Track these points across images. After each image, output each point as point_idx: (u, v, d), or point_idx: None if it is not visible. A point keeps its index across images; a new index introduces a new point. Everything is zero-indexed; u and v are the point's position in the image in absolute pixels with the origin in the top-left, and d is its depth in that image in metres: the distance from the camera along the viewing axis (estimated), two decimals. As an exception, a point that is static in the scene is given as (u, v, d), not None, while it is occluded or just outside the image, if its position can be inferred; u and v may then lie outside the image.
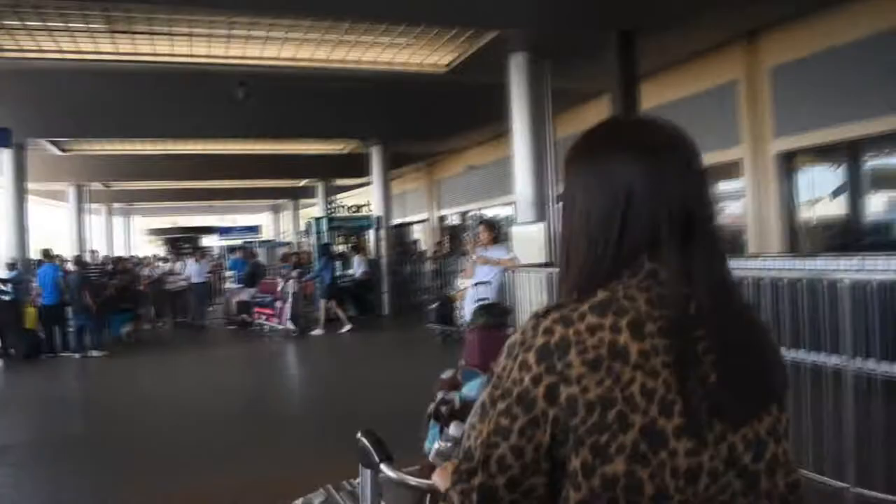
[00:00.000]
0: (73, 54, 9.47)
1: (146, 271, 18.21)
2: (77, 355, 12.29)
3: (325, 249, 15.83)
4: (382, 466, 1.56)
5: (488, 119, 13.16)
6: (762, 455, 1.01)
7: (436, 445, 1.71)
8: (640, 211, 1.03)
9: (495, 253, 8.64)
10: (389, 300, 17.32)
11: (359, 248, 18.11)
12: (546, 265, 8.66)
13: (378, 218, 17.81)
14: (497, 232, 8.94)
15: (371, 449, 1.58)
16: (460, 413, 2.03)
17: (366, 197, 24.32)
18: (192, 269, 17.37)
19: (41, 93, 11.84)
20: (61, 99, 12.28)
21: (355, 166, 19.81)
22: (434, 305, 12.41)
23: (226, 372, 10.84)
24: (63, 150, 17.10)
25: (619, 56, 9.35)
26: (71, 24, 8.73)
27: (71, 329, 12.90)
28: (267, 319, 15.28)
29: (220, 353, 13.15)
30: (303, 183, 25.33)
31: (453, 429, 1.77)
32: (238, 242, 23.98)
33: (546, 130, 10.30)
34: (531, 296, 8.11)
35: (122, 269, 16.10)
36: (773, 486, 1.02)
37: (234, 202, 32.87)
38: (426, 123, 15.36)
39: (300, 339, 13.78)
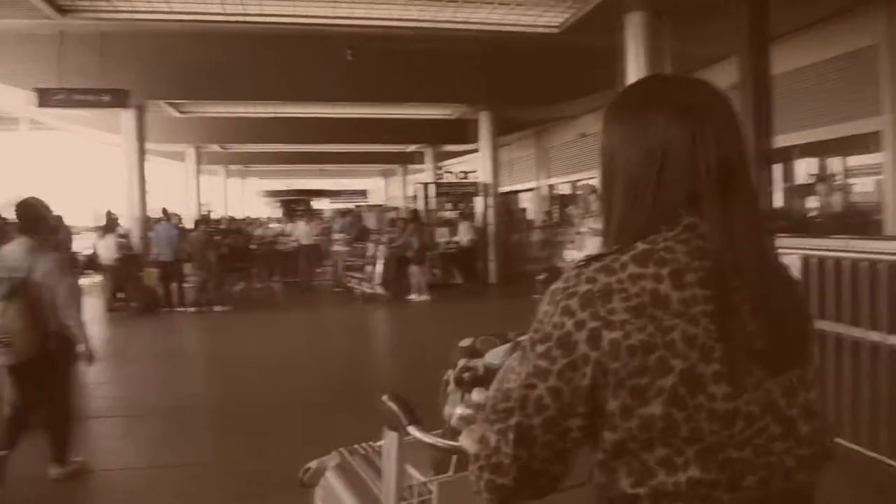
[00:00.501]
0: (182, 15, 9.53)
1: (258, 232, 18.67)
2: (192, 309, 12.70)
3: (413, 215, 15.65)
4: (410, 429, 1.56)
5: (602, 84, 12.48)
6: (796, 402, 1.05)
7: (458, 411, 1.72)
8: (677, 166, 1.05)
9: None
10: (496, 269, 17.02)
11: (465, 215, 17.84)
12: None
13: (485, 185, 17.45)
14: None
15: (399, 411, 1.57)
16: (483, 380, 2.00)
17: (474, 164, 24.10)
18: (301, 231, 17.63)
19: (159, 55, 12.11)
20: (178, 62, 12.52)
21: (463, 132, 19.47)
22: (542, 276, 11.98)
23: (321, 335, 10.82)
24: (181, 112, 17.57)
25: (748, 15, 8.51)
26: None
27: (188, 285, 13.38)
28: (358, 283, 15.31)
29: (319, 316, 13.24)
30: (412, 148, 25.23)
31: (476, 395, 1.81)
32: (347, 206, 24.17)
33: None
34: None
35: (235, 229, 16.51)
36: (806, 431, 1.06)
37: (346, 166, 33.26)
38: (536, 88, 14.78)
39: (392, 305, 13.69)
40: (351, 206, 23.58)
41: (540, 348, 1.02)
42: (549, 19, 10.22)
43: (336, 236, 17.44)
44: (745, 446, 1.00)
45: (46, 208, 4.68)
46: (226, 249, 14.53)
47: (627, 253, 1.02)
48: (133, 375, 7.88)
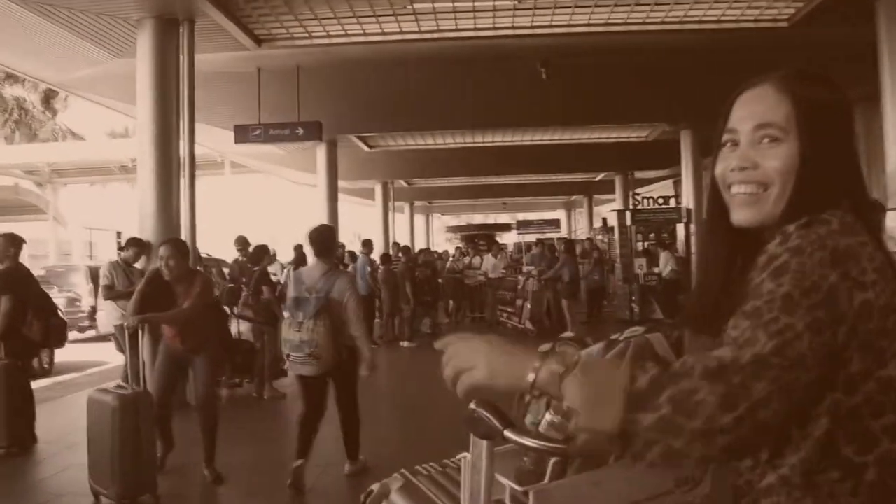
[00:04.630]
0: (375, 37, 9.20)
1: (447, 265, 18.34)
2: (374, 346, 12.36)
3: (568, 246, 14.63)
4: (507, 433, 1.45)
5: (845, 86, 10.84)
6: None
7: (547, 417, 1.59)
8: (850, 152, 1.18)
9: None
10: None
11: (664, 244, 16.44)
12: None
13: (688, 210, 15.98)
14: (884, 214, 6.82)
15: (491, 417, 1.46)
16: None
17: (666, 191, 22.52)
18: (488, 264, 17.06)
19: (350, 88, 11.96)
20: (367, 94, 12.33)
21: (660, 155, 18.11)
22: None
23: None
24: (370, 147, 17.62)
25: None
26: (374, 2, 8.39)
27: (377, 320, 13.14)
28: (508, 317, 14.49)
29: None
30: (600, 177, 24.09)
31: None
32: (535, 238, 23.41)
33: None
34: None
35: (425, 262, 16.17)
36: None
37: (527, 198, 32.64)
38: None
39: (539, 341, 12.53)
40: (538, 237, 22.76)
41: (814, 298, 0.98)
42: (777, 11, 8.85)
43: (525, 269, 16.59)
44: None
45: (336, 235, 5.55)
46: (416, 283, 14.21)
47: (833, 222, 1.06)
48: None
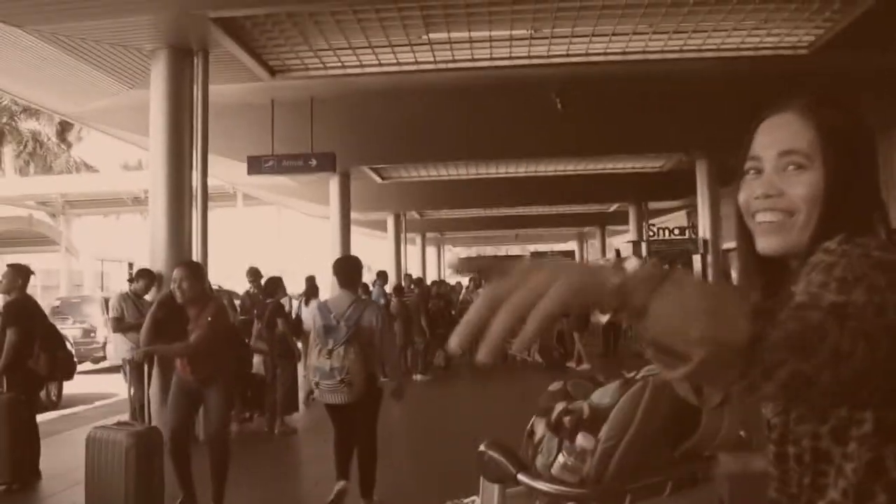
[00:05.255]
0: (390, 67, 9.15)
1: (461, 297, 18.17)
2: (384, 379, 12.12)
3: None
4: (521, 477, 1.44)
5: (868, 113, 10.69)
6: None
7: (560, 459, 1.57)
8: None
9: None
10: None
11: (681, 275, 16.19)
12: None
13: (705, 241, 15.77)
14: None
15: (504, 460, 1.46)
16: (588, 423, 1.93)
17: (679, 222, 22.33)
18: (503, 296, 16.82)
19: (363, 119, 11.92)
20: (380, 125, 12.27)
21: (674, 185, 17.95)
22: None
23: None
24: (383, 178, 17.57)
25: None
26: (390, 33, 8.35)
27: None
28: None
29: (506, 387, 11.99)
30: (613, 208, 23.94)
31: (582, 440, 1.79)
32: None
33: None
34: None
35: (438, 294, 16.01)
36: None
37: (540, 230, 32.50)
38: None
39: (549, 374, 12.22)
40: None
41: (867, 282, 0.95)
42: (797, 38, 8.73)
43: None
44: None
45: (361, 266, 5.59)
46: (430, 315, 14.05)
47: (871, 242, 1.05)
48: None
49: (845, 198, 1.12)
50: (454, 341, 0.83)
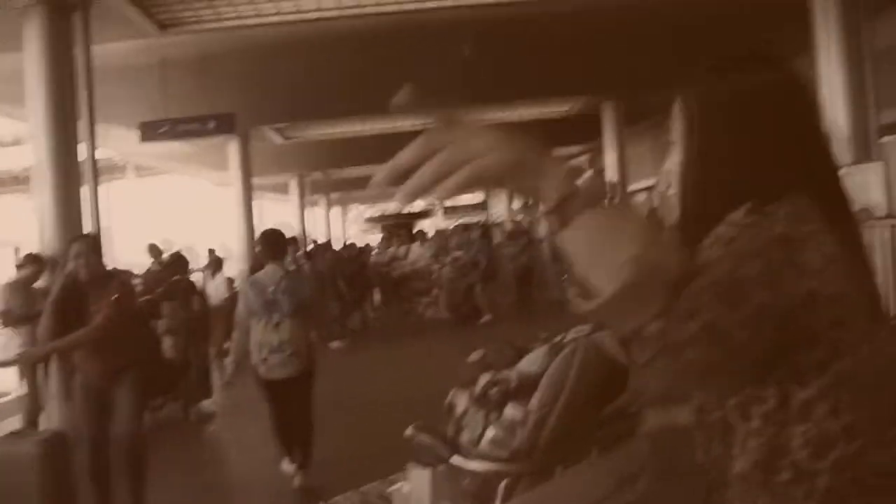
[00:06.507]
0: (291, 15, 8.53)
1: (372, 258, 17.72)
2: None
3: (483, 230, 14.44)
4: (455, 459, 1.38)
5: (768, 42, 10.76)
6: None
7: (489, 434, 1.51)
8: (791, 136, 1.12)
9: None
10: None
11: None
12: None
13: (613, 185, 15.86)
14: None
15: (437, 444, 1.42)
16: (517, 393, 1.81)
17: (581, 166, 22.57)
18: (415, 254, 16.53)
19: (261, 75, 11.20)
20: (280, 80, 11.57)
21: (578, 129, 17.97)
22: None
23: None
24: (286, 138, 16.79)
25: None
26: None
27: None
28: (424, 307, 14.37)
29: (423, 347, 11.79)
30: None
31: (511, 411, 1.76)
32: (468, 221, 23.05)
33: (861, 42, 7.94)
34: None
35: (350, 258, 15.52)
36: None
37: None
38: (669, 66, 13.11)
39: (460, 330, 12.23)
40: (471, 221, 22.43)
41: (763, 279, 0.92)
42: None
43: (455, 254, 16.10)
44: (892, 398, 1.00)
45: (285, 237, 5.54)
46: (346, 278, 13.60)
47: (780, 212, 1.03)
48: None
49: (706, 174, 1.13)
50: (378, 176, 0.88)
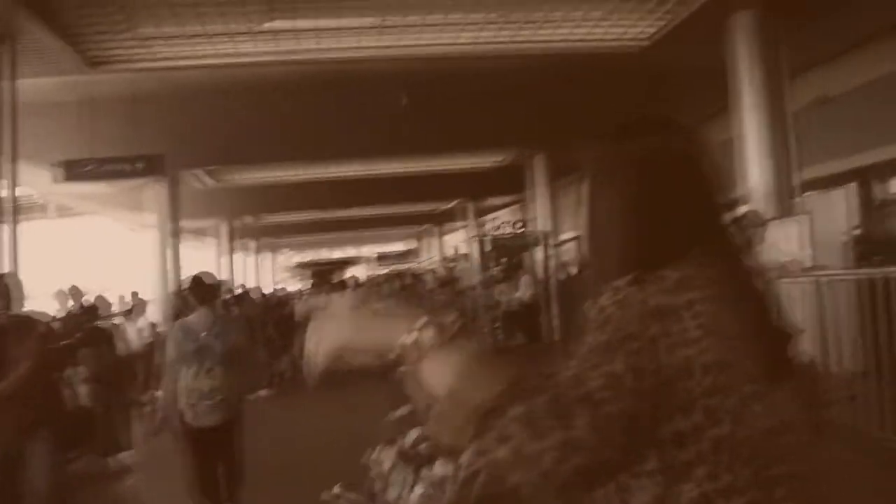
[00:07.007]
0: (230, 58, 8.43)
1: (299, 306, 17.43)
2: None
3: (411, 277, 14.56)
4: None
5: (690, 103, 11.20)
6: (794, 409, 1.07)
7: (417, 490, 1.47)
8: (684, 209, 1.13)
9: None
10: (561, 324, 15.51)
11: (522, 268, 16.48)
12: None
13: (545, 234, 16.10)
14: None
15: (362, 502, 1.44)
16: (447, 449, 1.69)
17: (513, 216, 22.88)
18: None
19: (193, 117, 11.03)
20: (212, 123, 11.43)
21: (511, 180, 18.24)
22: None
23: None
24: (217, 181, 16.48)
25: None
26: (229, 20, 7.64)
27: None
28: None
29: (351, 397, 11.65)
30: (451, 205, 24.08)
31: (441, 466, 1.67)
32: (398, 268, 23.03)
33: (784, 103, 8.36)
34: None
35: (278, 303, 15.22)
36: (802, 437, 1.07)
37: (377, 231, 32.17)
38: (604, 120, 13.45)
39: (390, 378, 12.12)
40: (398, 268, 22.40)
41: (631, 346, 0.97)
42: (638, 31, 8.98)
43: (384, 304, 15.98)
44: (778, 460, 1.01)
45: (217, 281, 5.45)
46: (270, 326, 13.30)
47: (667, 280, 1.03)
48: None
49: (596, 239, 1.17)
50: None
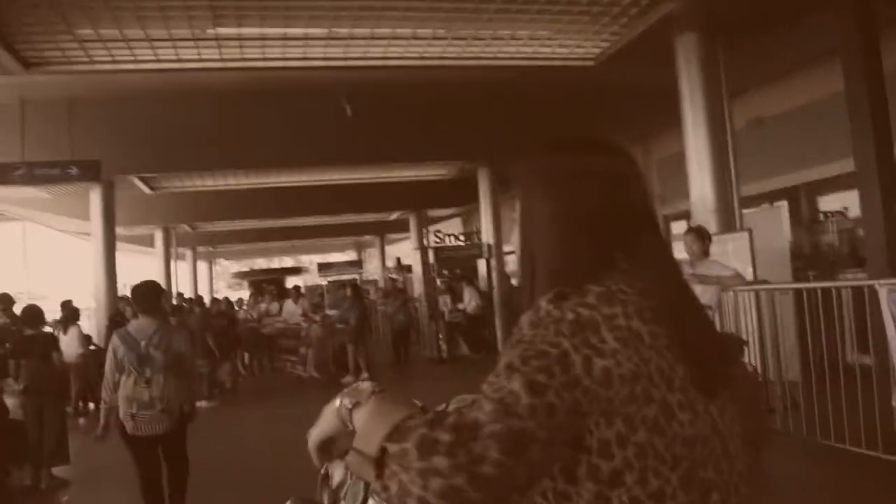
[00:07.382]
0: (172, 63, 8.23)
1: (241, 314, 17.10)
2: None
3: (354, 289, 14.49)
4: None
5: (634, 121, 11.45)
6: (727, 421, 1.11)
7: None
8: (615, 220, 1.15)
9: (712, 269, 6.70)
10: (504, 337, 15.58)
11: (468, 279, 16.51)
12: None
13: (489, 246, 16.19)
14: (710, 242, 6.98)
15: None
16: None
17: (455, 228, 22.95)
18: (288, 310, 16.10)
19: (130, 123, 10.76)
20: (150, 130, 11.15)
21: (454, 192, 18.30)
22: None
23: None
24: (152, 189, 16.05)
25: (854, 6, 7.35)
26: (171, 24, 7.47)
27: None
28: (292, 366, 14.22)
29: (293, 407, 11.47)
30: (394, 216, 23.99)
31: None
32: (342, 278, 22.71)
33: (725, 121, 8.59)
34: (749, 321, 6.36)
35: (219, 312, 14.88)
36: (737, 446, 1.11)
37: (318, 240, 31.83)
38: (549, 135, 13.54)
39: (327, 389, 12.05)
40: (345, 278, 22.17)
41: (536, 363, 1.00)
42: (585, 51, 9.11)
43: (329, 313, 15.78)
44: (708, 466, 1.05)
45: (160, 289, 5.36)
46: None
47: (588, 295, 1.07)
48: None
49: (526, 253, 1.20)
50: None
